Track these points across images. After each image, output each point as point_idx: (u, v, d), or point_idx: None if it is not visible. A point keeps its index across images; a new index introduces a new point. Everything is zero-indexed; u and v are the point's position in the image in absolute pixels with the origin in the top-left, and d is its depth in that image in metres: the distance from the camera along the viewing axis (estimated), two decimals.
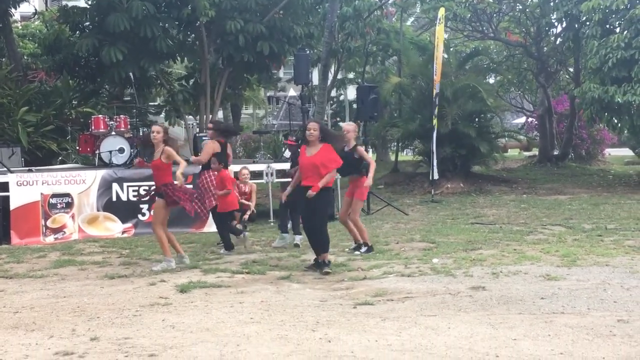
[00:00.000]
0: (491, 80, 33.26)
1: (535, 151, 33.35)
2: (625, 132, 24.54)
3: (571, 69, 30.64)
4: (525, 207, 17.10)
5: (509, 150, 36.23)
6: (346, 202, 11.20)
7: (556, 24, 25.73)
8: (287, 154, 16.25)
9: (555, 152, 30.14)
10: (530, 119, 36.50)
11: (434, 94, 19.07)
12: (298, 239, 12.00)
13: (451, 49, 27.92)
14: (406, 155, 31.00)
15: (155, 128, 10.53)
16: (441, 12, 19.98)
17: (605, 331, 6.49)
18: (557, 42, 27.76)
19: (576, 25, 23.09)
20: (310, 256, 10.47)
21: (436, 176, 19.36)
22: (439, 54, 19.52)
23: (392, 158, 28.66)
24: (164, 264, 10.21)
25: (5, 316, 7.62)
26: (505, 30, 29.55)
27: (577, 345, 6.13)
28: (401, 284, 8.78)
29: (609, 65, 19.37)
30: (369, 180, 10.87)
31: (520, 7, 26.60)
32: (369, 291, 8.39)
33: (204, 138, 15.63)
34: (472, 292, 8.15)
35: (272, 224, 15.00)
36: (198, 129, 20.49)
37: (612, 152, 34.38)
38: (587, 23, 21.46)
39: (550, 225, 13.80)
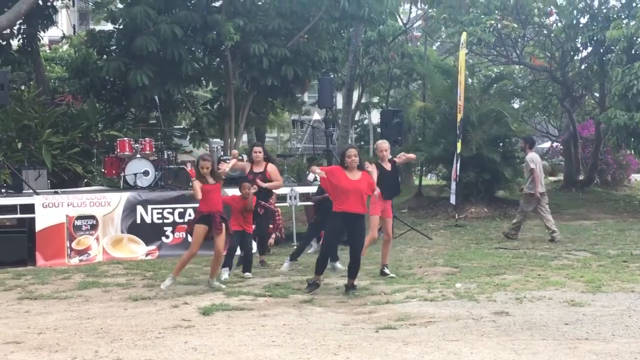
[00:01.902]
0: (516, 105, 33.16)
1: (560, 176, 33.14)
2: None
3: (596, 94, 30.50)
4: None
5: None
6: (376, 220, 11.07)
7: (581, 48, 25.63)
8: (311, 177, 16.27)
9: (581, 177, 29.93)
10: (555, 144, 36.31)
11: (458, 119, 19.04)
12: (338, 265, 11.71)
13: (475, 74, 27.90)
14: (430, 180, 30.91)
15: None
16: (464, 36, 20.02)
17: (630, 358, 6.42)
18: (582, 67, 27.64)
19: (601, 50, 23.03)
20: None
21: (453, 201, 19.27)
22: (462, 78, 19.53)
23: (416, 182, 28.60)
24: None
25: (30, 337, 7.66)
26: (530, 55, 29.49)
27: None
28: (424, 308, 8.75)
29: (634, 92, 19.28)
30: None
31: (545, 32, 26.54)
32: (392, 315, 8.37)
33: (227, 160, 15.69)
34: (495, 317, 8.10)
35: (295, 246, 14.98)
36: (222, 152, 20.59)
37: (638, 177, 34.10)
38: (612, 48, 21.40)
39: (575, 250, 13.70)
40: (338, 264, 11.70)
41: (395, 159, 11.28)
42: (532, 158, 15.77)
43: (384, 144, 11.33)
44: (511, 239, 15.77)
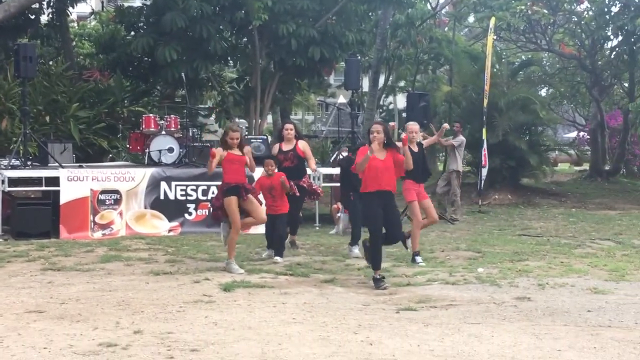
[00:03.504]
0: (542, 93, 32.93)
1: (586, 166, 32.92)
2: None
3: (626, 84, 30.21)
4: (574, 221, 16.89)
5: (559, 164, 35.78)
6: (417, 206, 10.88)
7: (612, 37, 25.39)
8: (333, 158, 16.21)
9: (607, 167, 29.73)
10: (582, 133, 36.04)
11: (484, 104, 18.90)
12: (356, 252, 11.40)
13: (503, 60, 27.69)
14: None
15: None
16: (492, 21, 19.85)
17: None
18: (612, 56, 27.40)
19: (632, 39, 22.79)
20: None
21: (481, 187, 19.19)
22: (489, 64, 19.38)
23: (440, 168, 28.49)
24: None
25: (52, 306, 7.72)
26: (559, 42, 29.24)
27: (623, 358, 6.02)
28: (445, 291, 8.72)
29: None
30: None
31: (576, 19, 26.29)
32: (413, 297, 8.35)
33: (252, 140, 15.69)
34: (517, 302, 8.06)
35: (317, 228, 15.01)
36: (247, 132, 20.59)
37: None
38: None
39: (599, 239, 13.61)
40: (356, 250, 11.42)
41: (422, 141, 11.20)
42: (462, 139, 17.47)
43: (414, 125, 11.14)
44: (455, 221, 16.31)
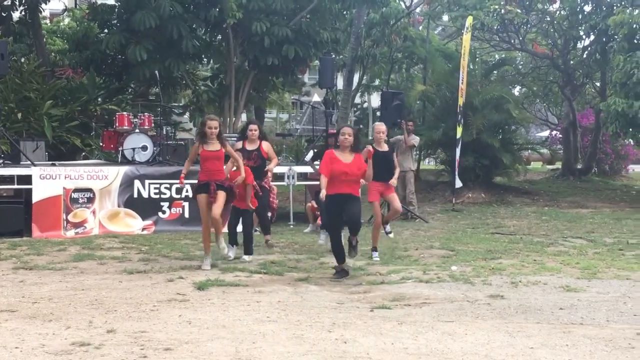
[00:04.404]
0: (516, 92, 33.15)
1: (558, 165, 33.18)
2: None
3: (597, 83, 30.51)
4: (546, 219, 17.02)
5: (532, 163, 36.06)
6: (377, 207, 10.99)
7: (584, 36, 25.59)
8: (309, 157, 16.23)
9: (579, 166, 29.98)
10: (554, 132, 36.33)
11: (460, 103, 18.96)
12: (322, 238, 12.02)
13: (477, 59, 27.83)
14: (428, 165, 30.93)
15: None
16: (469, 20, 19.92)
17: (624, 343, 6.41)
18: (584, 55, 27.61)
19: (604, 39, 22.98)
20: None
21: (459, 185, 19.23)
22: (465, 63, 19.45)
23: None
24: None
25: (24, 306, 7.66)
26: (532, 42, 29.44)
27: (595, 356, 6.07)
28: (419, 289, 8.74)
29: (634, 81, 19.22)
30: (394, 180, 10.87)
31: (549, 18, 26.48)
32: (387, 295, 8.36)
33: (227, 139, 15.62)
34: (490, 300, 8.10)
35: (291, 226, 15.00)
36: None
37: (636, 168, 34.16)
38: (615, 37, 21.33)
39: (571, 237, 13.70)
40: (323, 236, 11.89)
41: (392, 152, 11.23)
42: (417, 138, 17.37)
43: (381, 126, 11.20)
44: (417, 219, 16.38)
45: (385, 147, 10.95)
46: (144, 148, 15.68)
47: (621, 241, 13.14)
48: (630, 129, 20.97)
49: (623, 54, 20.02)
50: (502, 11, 23.33)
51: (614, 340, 6.50)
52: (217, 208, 10.02)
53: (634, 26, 20.13)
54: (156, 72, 17.51)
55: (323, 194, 9.18)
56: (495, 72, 27.19)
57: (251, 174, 10.94)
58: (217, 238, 10.29)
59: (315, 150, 13.77)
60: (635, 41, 20.57)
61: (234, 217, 11.12)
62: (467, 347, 6.28)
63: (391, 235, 11.21)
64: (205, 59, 23.45)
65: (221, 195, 10.03)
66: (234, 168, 10.56)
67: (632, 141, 23.79)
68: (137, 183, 14.17)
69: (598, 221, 16.61)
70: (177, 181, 14.00)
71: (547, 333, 6.74)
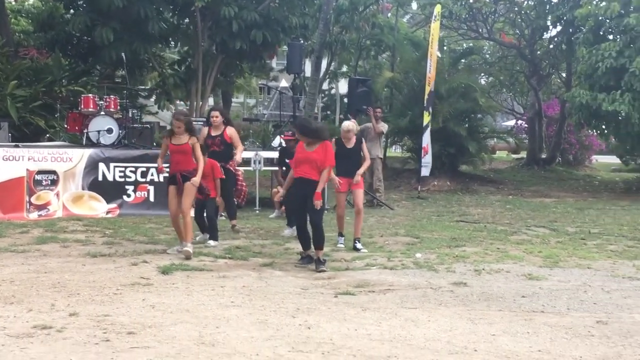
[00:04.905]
0: (482, 81, 33.34)
1: (523, 154, 33.46)
2: (613, 139, 24.67)
3: (563, 73, 30.77)
4: (510, 208, 17.16)
5: (498, 152, 36.33)
6: (341, 198, 11.03)
7: (550, 27, 25.79)
8: (276, 142, 16.23)
9: (543, 156, 30.27)
10: (520, 122, 36.61)
11: (428, 91, 18.99)
12: (286, 232, 11.94)
13: (445, 47, 27.94)
14: (395, 152, 31.03)
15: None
16: (437, 9, 19.95)
17: (584, 331, 6.51)
18: (551, 46, 27.84)
19: (570, 30, 23.18)
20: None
21: (426, 173, 19.31)
22: (434, 51, 19.48)
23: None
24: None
25: None
26: (499, 31, 29.62)
27: (555, 343, 6.15)
28: (383, 276, 8.78)
29: (599, 73, 19.41)
30: (360, 171, 10.87)
31: (516, 8, 26.64)
32: (351, 282, 8.40)
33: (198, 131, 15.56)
34: (453, 288, 8.16)
35: (257, 211, 14.98)
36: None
37: (599, 158, 34.53)
38: (581, 28, 21.51)
39: (534, 226, 13.83)
40: (287, 231, 11.88)
41: (362, 147, 11.15)
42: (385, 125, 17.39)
43: (350, 125, 11.15)
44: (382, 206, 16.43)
45: (351, 143, 10.94)
46: (110, 131, 15.52)
47: (583, 230, 13.28)
48: (594, 121, 21.18)
49: (588, 46, 20.19)
50: (471, 0, 23.43)
51: (574, 328, 6.59)
52: (186, 201, 10.04)
53: (600, 18, 20.30)
54: (122, 54, 17.33)
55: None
56: (462, 60, 27.31)
57: (219, 168, 11.24)
58: (187, 233, 10.11)
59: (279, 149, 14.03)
60: (601, 33, 20.76)
61: (198, 209, 11.13)
62: (430, 333, 6.33)
63: (364, 251, 10.99)
64: (172, 42, 23.27)
65: (188, 189, 10.00)
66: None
67: (595, 132, 24.01)
68: (101, 166, 14.04)
69: (561, 210, 16.79)
70: (143, 164, 14.10)
71: (509, 320, 6.81)
